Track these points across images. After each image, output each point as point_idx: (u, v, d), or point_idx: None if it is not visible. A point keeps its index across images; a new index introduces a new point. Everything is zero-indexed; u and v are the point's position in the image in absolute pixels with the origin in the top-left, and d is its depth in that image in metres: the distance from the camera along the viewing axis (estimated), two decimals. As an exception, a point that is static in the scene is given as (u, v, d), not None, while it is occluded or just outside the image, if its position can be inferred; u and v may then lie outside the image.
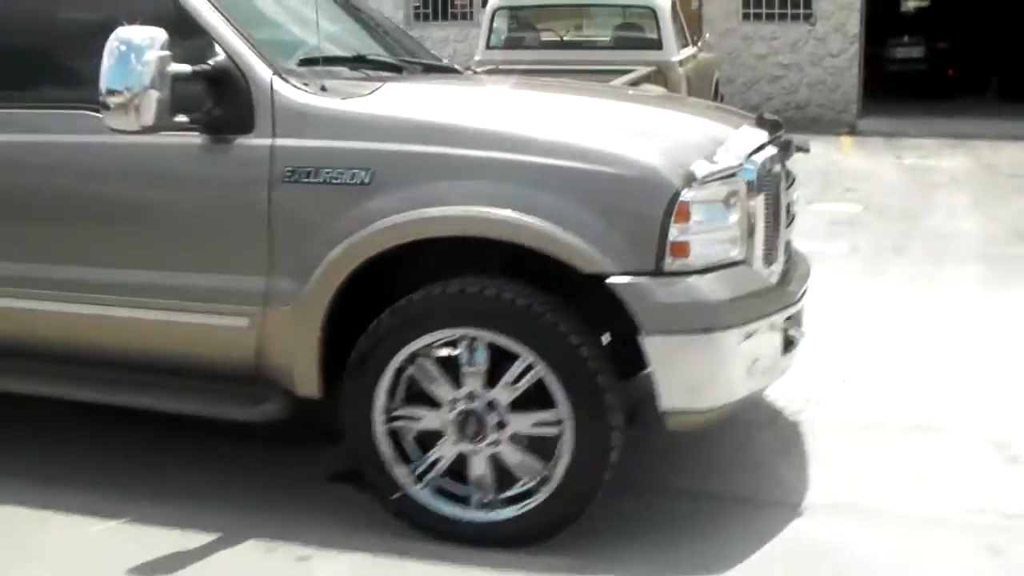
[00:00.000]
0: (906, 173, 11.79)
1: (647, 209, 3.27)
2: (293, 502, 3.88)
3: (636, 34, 11.33)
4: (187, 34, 3.67)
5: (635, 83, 9.06)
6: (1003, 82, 19.42)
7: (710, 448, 4.30)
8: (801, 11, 16.64)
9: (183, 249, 3.73)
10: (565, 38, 12.40)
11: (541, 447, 3.43)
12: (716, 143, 3.59)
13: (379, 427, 3.54)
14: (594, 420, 3.32)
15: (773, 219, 3.70)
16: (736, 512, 3.77)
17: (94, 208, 3.89)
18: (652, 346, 3.25)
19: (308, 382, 3.60)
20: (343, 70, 4.08)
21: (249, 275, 3.61)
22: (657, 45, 10.77)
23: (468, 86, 4.62)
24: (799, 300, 3.76)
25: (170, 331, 3.75)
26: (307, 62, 3.86)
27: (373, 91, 3.76)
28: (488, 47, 11.54)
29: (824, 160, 12.37)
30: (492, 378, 3.42)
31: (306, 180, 3.52)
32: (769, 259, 3.66)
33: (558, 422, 3.35)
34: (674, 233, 3.26)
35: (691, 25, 12.65)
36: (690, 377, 3.31)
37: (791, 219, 4.15)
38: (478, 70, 8.83)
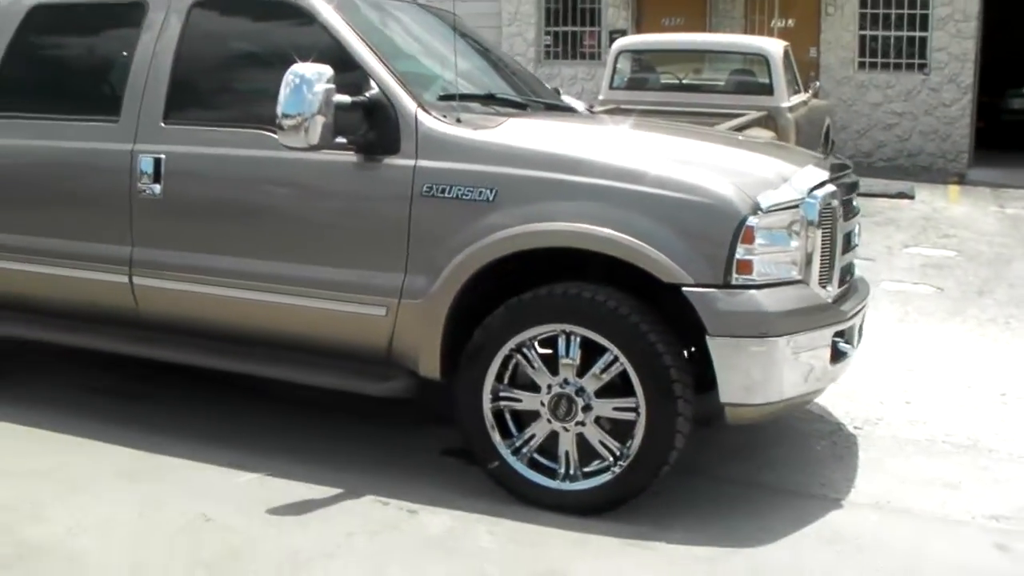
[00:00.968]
0: (1007, 222, 12.06)
1: (719, 232, 3.93)
2: (406, 469, 4.59)
3: (749, 79, 11.80)
4: (347, 70, 4.42)
5: (743, 127, 9.57)
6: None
7: (770, 448, 4.90)
8: (916, 61, 16.98)
9: (336, 248, 4.48)
10: (684, 81, 12.85)
11: (618, 429, 4.09)
12: (782, 179, 4.21)
13: (487, 406, 4.23)
14: (664, 407, 3.97)
15: (830, 246, 4.28)
16: (780, 501, 4.35)
17: (264, 210, 4.67)
18: (715, 347, 3.90)
19: (431, 365, 4.32)
20: (475, 105, 4.78)
21: (389, 272, 4.34)
22: (768, 91, 11.28)
23: (579, 123, 5.30)
24: (851, 318, 4.32)
25: (321, 316, 4.50)
26: (446, 97, 4.59)
27: (500, 124, 4.48)
28: (611, 87, 12.18)
29: (928, 207, 12.76)
30: (583, 368, 4.09)
31: (440, 196, 4.25)
32: (825, 281, 4.25)
33: (634, 408, 4.01)
34: (740, 252, 3.90)
35: (806, 72, 13.04)
36: (746, 375, 3.93)
37: (852, 248, 4.69)
38: (599, 109, 9.56)
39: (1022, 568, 3.88)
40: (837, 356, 4.21)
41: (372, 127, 4.37)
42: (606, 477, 4.10)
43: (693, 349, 4.16)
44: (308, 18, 4.67)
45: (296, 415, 5.23)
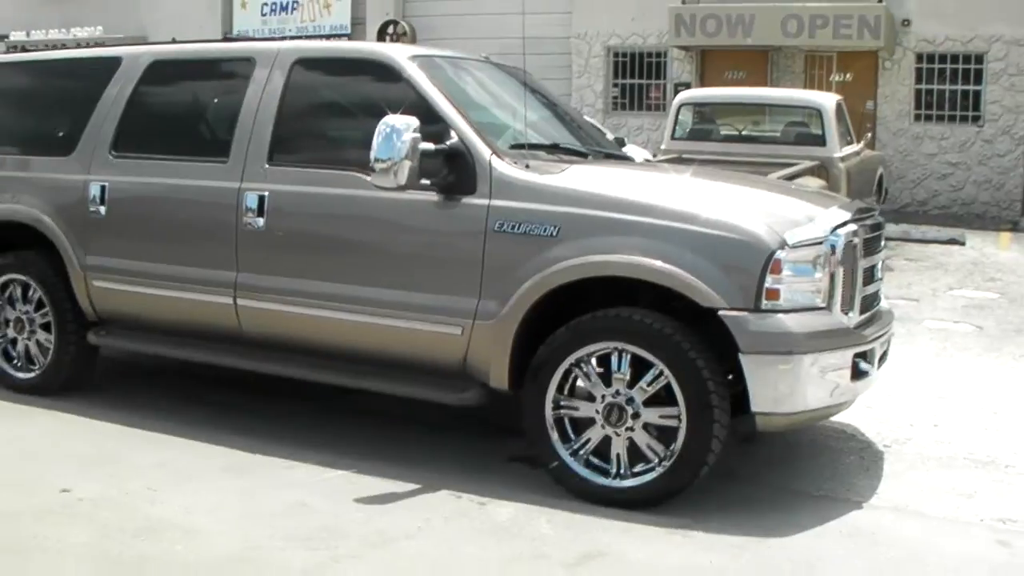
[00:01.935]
0: (1055, 269, 12.43)
1: (750, 264, 4.53)
2: (476, 470, 5.20)
3: (803, 131, 12.34)
4: (431, 121, 5.09)
5: (794, 176, 10.10)
6: None
7: (803, 461, 5.46)
8: (970, 113, 17.48)
9: (419, 275, 5.14)
10: (742, 132, 13.48)
11: (663, 435, 4.67)
12: (808, 219, 4.81)
13: (549, 413, 4.84)
14: (702, 415, 4.55)
15: (851, 278, 4.85)
16: (807, 503, 4.89)
17: (355, 241, 5.36)
18: (747, 362, 4.50)
19: (500, 378, 4.95)
20: (542, 153, 5.41)
21: (464, 297, 4.99)
22: (821, 142, 11.82)
23: (632, 170, 5.93)
24: (871, 341, 4.88)
25: (404, 335, 5.15)
26: (516, 146, 5.26)
27: (563, 170, 5.12)
28: (673, 138, 12.77)
29: (977, 253, 13.19)
30: (632, 381, 4.69)
31: (511, 231, 4.90)
32: (847, 308, 4.81)
33: (677, 416, 4.60)
34: (769, 282, 4.50)
35: (863, 124, 13.48)
36: (774, 387, 4.52)
37: (875, 280, 5.24)
38: (661, 158, 10.16)
39: (1019, 559, 4.37)
40: (858, 375, 4.76)
41: (452, 171, 5.04)
42: (652, 476, 4.68)
43: (731, 376, 4.71)
44: (396, 75, 5.39)
45: (378, 427, 5.88)
